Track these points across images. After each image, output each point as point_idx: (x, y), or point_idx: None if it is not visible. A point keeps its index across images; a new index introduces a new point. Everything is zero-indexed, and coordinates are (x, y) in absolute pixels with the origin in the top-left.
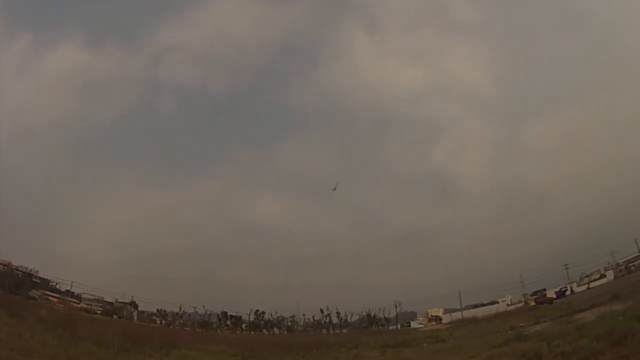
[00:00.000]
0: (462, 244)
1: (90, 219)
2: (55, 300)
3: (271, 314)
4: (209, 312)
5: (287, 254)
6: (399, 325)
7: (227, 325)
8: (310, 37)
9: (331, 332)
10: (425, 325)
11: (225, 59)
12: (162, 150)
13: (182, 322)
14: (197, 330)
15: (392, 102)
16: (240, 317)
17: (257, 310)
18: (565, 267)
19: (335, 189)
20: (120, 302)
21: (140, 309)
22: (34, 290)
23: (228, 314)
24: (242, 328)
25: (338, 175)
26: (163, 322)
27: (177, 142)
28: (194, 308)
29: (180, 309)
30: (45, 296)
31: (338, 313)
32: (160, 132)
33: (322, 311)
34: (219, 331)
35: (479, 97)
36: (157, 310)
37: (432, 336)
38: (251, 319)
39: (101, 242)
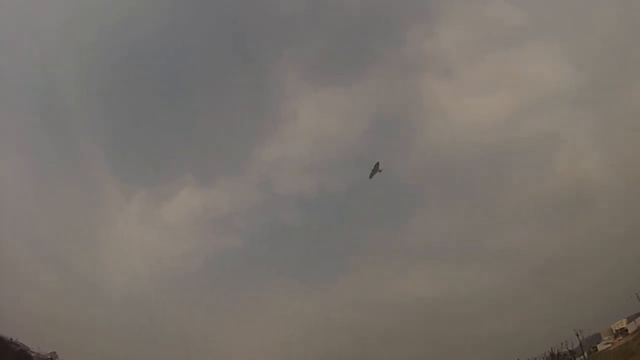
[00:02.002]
0: (611, 242)
1: (246, 341)
2: None
3: None
4: None
5: (448, 318)
6: (585, 354)
7: None
8: (397, 107)
9: None
10: (613, 344)
11: (330, 158)
12: (298, 257)
13: None
14: None
15: (495, 133)
16: None
17: None
18: None
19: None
20: None
21: None
22: None
23: None
24: None
25: (470, 230)
26: None
27: (310, 246)
28: None
29: None
30: None
31: None
32: (291, 241)
33: None
34: None
35: (573, 90)
36: None
37: (620, 352)
38: None
39: None
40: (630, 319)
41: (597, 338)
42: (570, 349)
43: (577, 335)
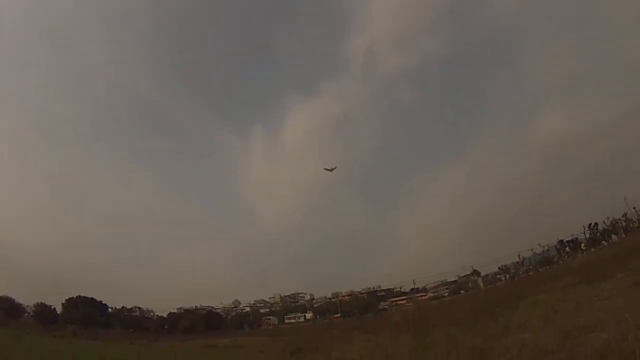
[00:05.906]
0: None
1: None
2: (404, 302)
3: (604, 222)
4: (546, 247)
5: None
6: None
7: (567, 252)
8: None
9: None
10: None
11: (415, 21)
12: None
13: (524, 269)
14: (540, 270)
15: None
16: (576, 238)
17: (590, 224)
18: None
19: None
20: (463, 277)
21: (483, 273)
22: (382, 303)
23: (564, 241)
24: (581, 249)
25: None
26: (507, 277)
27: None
28: (532, 250)
29: (519, 257)
30: (394, 303)
31: None
32: (410, 117)
33: None
34: (560, 262)
35: None
36: (499, 268)
37: None
38: (587, 236)
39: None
40: None
41: None
42: None
43: None
